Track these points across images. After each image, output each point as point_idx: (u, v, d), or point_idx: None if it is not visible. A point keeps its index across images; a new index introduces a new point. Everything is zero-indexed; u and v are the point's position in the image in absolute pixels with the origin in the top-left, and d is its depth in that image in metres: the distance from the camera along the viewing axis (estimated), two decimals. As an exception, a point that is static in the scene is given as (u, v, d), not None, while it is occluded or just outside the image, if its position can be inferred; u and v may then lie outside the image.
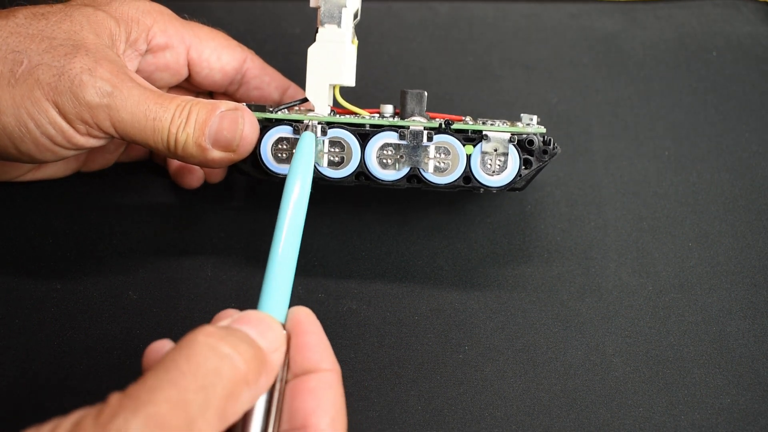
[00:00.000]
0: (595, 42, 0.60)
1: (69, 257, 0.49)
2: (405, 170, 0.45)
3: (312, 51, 0.45)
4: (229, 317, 0.34)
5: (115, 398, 0.28)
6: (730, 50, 0.59)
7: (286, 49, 0.59)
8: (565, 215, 0.52)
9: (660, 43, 0.60)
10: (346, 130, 0.45)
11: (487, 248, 0.50)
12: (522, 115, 0.46)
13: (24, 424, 0.29)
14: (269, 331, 0.33)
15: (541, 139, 0.45)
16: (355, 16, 0.46)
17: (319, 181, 0.45)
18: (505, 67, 0.59)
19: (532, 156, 0.45)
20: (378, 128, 0.45)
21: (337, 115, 0.46)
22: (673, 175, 0.53)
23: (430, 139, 0.44)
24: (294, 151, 0.40)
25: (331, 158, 0.45)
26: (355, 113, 0.46)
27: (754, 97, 0.57)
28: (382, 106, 0.46)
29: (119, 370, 0.45)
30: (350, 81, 0.46)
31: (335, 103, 0.46)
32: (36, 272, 0.49)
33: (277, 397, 0.33)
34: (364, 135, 0.45)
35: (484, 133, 0.44)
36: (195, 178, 0.51)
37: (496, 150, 0.44)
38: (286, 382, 0.34)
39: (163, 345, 0.34)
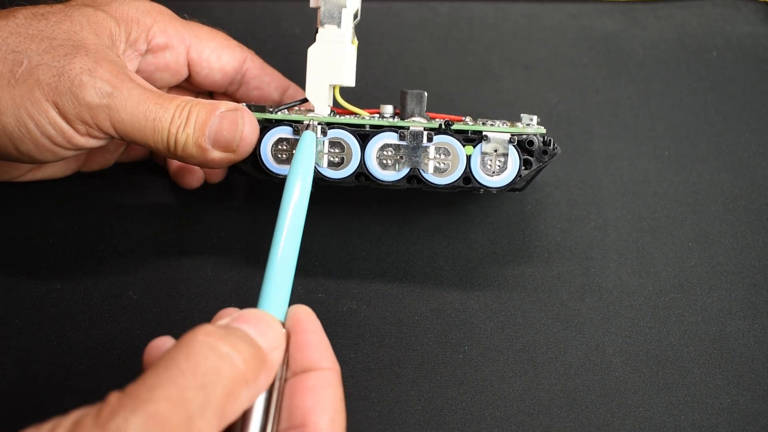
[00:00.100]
0: (595, 42, 0.60)
1: (69, 257, 0.49)
2: (405, 171, 0.45)
3: (312, 51, 0.45)
4: (229, 316, 0.33)
5: (114, 397, 0.28)
6: (730, 50, 0.59)
7: (286, 49, 0.59)
8: (565, 215, 0.52)
9: (660, 43, 0.60)
10: (346, 130, 0.45)
11: (487, 248, 0.50)
12: (522, 115, 0.46)
13: (24, 424, 0.29)
14: (269, 330, 0.33)
15: (541, 139, 0.45)
16: (355, 16, 0.46)
17: (319, 181, 0.45)
18: (505, 67, 0.59)
19: (532, 156, 0.45)
20: (378, 129, 0.45)
21: (337, 116, 0.46)
22: (673, 175, 0.53)
23: (430, 139, 0.44)
24: (294, 150, 0.40)
25: (331, 159, 0.45)
26: (355, 113, 0.46)
27: (754, 97, 0.57)
28: (382, 106, 0.46)
29: (119, 370, 0.45)
30: (350, 81, 0.46)
31: (335, 103, 0.46)
32: (36, 272, 0.49)
33: (276, 395, 0.33)
34: (364, 135, 0.45)
35: (484, 133, 0.44)
36: (195, 178, 0.51)
37: (496, 150, 0.44)
38: (285, 381, 0.34)
39: (164, 342, 0.34)
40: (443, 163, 0.45)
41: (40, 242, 0.50)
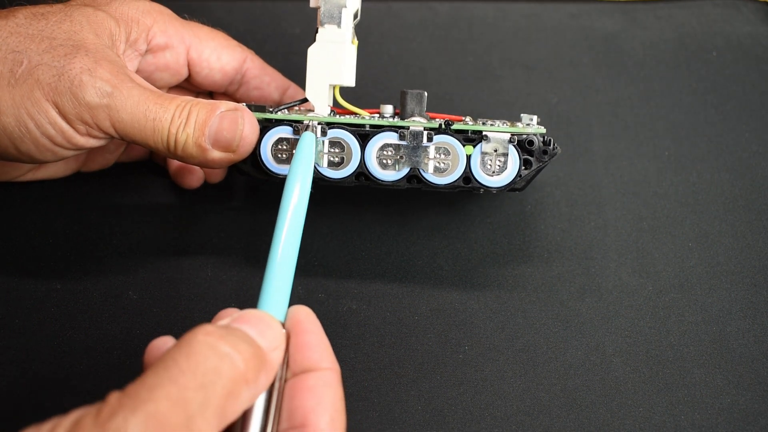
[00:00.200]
0: (595, 42, 0.60)
1: (69, 257, 0.49)
2: (405, 171, 0.45)
3: (312, 51, 0.45)
4: (229, 316, 0.34)
5: (114, 397, 0.28)
6: (730, 50, 0.59)
7: (286, 49, 0.59)
8: (565, 215, 0.52)
9: (660, 43, 0.60)
10: (346, 130, 0.45)
11: (487, 248, 0.50)
12: (522, 115, 0.46)
13: (24, 424, 0.29)
14: (269, 330, 0.33)
15: (541, 139, 0.45)
16: (355, 16, 0.46)
17: (319, 181, 0.45)
18: (505, 67, 0.59)
19: (532, 156, 0.45)
20: (378, 128, 0.45)
21: (337, 116, 0.46)
22: (673, 175, 0.53)
23: (430, 139, 0.44)
24: (294, 150, 0.40)
25: (331, 158, 0.45)
26: (355, 113, 0.46)
27: (754, 97, 0.57)
28: (382, 106, 0.46)
29: (119, 370, 0.45)
30: (350, 81, 0.46)
31: (335, 103, 0.46)
32: (36, 272, 0.49)
33: (276, 395, 0.33)
34: (364, 135, 0.45)
35: (484, 133, 0.44)
36: (195, 178, 0.51)
37: (496, 150, 0.44)
38: (285, 381, 0.34)
39: (165, 342, 0.34)
40: (443, 163, 0.45)
41: (40, 242, 0.50)
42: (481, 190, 0.45)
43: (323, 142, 0.45)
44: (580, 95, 0.57)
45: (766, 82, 0.58)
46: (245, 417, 0.32)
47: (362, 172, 0.45)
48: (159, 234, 0.51)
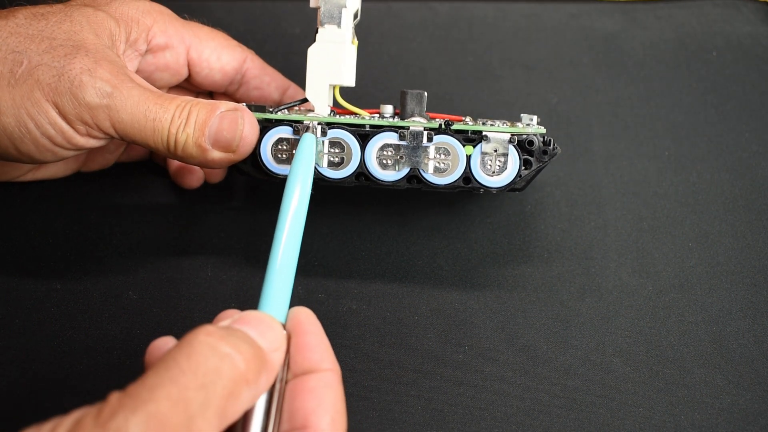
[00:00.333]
0: (595, 42, 0.60)
1: (69, 257, 0.49)
2: (405, 171, 0.45)
3: (312, 51, 0.45)
4: (230, 318, 0.34)
5: (115, 397, 0.28)
6: (730, 50, 0.59)
7: (286, 49, 0.59)
8: (565, 215, 0.52)
9: (660, 43, 0.60)
10: (346, 130, 0.45)
11: (487, 248, 0.50)
12: (522, 115, 0.46)
13: (24, 424, 0.29)
14: (269, 331, 0.33)
15: (541, 139, 0.45)
16: (355, 16, 0.46)
17: (319, 181, 0.45)
18: (505, 67, 0.59)
19: (532, 156, 0.45)
20: (378, 129, 0.45)
21: (337, 116, 0.46)
22: (673, 175, 0.54)
23: (430, 139, 0.44)
24: (295, 152, 0.40)
25: (331, 159, 0.45)
26: (355, 113, 0.46)
27: (754, 97, 0.57)
28: (382, 106, 0.46)
29: (119, 370, 0.45)
30: (350, 81, 0.46)
31: (335, 103, 0.46)
32: (36, 272, 0.49)
33: (277, 396, 0.33)
34: (364, 135, 0.45)
35: (484, 133, 0.44)
36: (195, 178, 0.51)
37: (496, 150, 0.44)
38: (286, 382, 0.34)
39: (166, 342, 0.34)
40: (443, 163, 0.45)
41: (40, 242, 0.50)
42: (481, 190, 0.45)
43: (323, 142, 0.45)
44: (580, 95, 0.57)
45: (766, 82, 0.58)
46: (246, 418, 0.32)
47: (362, 172, 0.45)
48: (159, 234, 0.51)
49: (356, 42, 0.46)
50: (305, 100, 0.46)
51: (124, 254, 0.50)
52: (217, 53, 0.49)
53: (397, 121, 0.45)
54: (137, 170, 0.53)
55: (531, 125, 0.45)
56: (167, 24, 0.47)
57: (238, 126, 0.43)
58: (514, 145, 0.44)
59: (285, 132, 0.45)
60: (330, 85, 0.46)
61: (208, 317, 0.35)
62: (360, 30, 0.48)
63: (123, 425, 0.27)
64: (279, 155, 0.45)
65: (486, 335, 0.47)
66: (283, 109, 0.46)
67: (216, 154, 0.43)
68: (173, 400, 0.28)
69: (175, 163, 0.51)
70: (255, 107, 0.46)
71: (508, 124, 0.46)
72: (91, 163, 0.51)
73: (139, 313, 0.47)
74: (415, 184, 0.45)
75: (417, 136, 0.44)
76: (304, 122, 0.44)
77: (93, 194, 0.52)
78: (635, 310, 0.48)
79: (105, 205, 0.52)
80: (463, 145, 0.44)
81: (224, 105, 0.43)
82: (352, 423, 0.36)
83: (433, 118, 0.46)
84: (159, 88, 0.47)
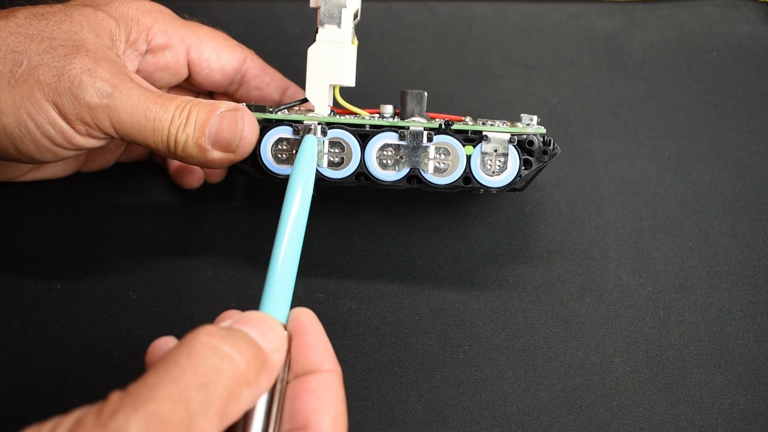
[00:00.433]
0: (595, 42, 0.60)
1: (69, 257, 0.49)
2: (405, 171, 0.45)
3: (312, 51, 0.45)
4: (231, 318, 0.34)
5: (115, 396, 0.28)
6: (730, 50, 0.59)
7: (286, 49, 0.59)
8: (565, 215, 0.52)
9: (660, 43, 0.60)
10: (346, 130, 0.45)
11: (487, 248, 0.50)
12: (522, 115, 0.46)
13: (24, 424, 0.29)
14: (270, 332, 0.33)
15: (541, 139, 0.45)
16: (355, 16, 0.46)
17: (319, 181, 0.45)
18: (505, 67, 0.59)
19: (532, 156, 0.45)
20: (378, 129, 0.45)
21: (337, 116, 0.46)
22: (673, 175, 0.54)
23: (430, 139, 0.44)
24: (296, 152, 0.40)
25: (331, 159, 0.45)
26: (355, 113, 0.46)
27: (754, 97, 0.57)
28: (382, 106, 0.46)
29: (119, 370, 0.45)
30: (350, 81, 0.46)
31: (335, 103, 0.46)
32: (36, 272, 0.49)
33: (278, 397, 0.33)
34: (364, 135, 0.45)
35: (484, 133, 0.44)
36: (195, 178, 0.51)
37: (496, 150, 0.44)
38: (287, 383, 0.34)
39: (167, 342, 0.34)
40: (443, 163, 0.45)
41: (40, 242, 0.50)
42: (481, 190, 0.45)
43: (323, 142, 0.45)
44: (580, 95, 0.57)
45: (766, 82, 0.58)
46: (247, 418, 0.32)
47: (362, 172, 0.45)
48: (159, 234, 0.51)
49: (356, 42, 0.46)
50: (305, 100, 0.46)
51: (124, 254, 0.50)
52: (217, 53, 0.49)
53: (397, 121, 0.45)
54: (137, 170, 0.53)
55: (531, 125, 0.45)
56: (167, 24, 0.47)
57: (238, 126, 0.43)
58: (514, 145, 0.44)
59: (285, 132, 0.45)
60: (330, 85, 0.46)
61: (209, 317, 0.35)
62: (360, 30, 0.48)
63: (123, 424, 0.27)
64: (279, 155, 0.45)
65: (486, 335, 0.47)
66: (283, 109, 0.46)
67: (216, 154, 0.43)
68: (174, 400, 0.28)
69: (175, 163, 0.51)
70: (255, 107, 0.46)
71: (508, 124, 0.46)
72: (91, 163, 0.51)
73: (139, 313, 0.47)
74: (415, 184, 0.45)
75: (417, 136, 0.44)
76: (305, 122, 0.44)
77: (93, 194, 0.52)
78: (635, 310, 0.48)
79: (105, 205, 0.52)
80: (463, 145, 0.44)
81: (224, 105, 0.43)
82: (353, 423, 0.36)
83: (433, 118, 0.46)
84: (159, 88, 0.47)
